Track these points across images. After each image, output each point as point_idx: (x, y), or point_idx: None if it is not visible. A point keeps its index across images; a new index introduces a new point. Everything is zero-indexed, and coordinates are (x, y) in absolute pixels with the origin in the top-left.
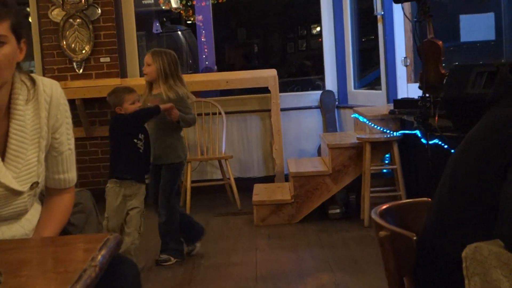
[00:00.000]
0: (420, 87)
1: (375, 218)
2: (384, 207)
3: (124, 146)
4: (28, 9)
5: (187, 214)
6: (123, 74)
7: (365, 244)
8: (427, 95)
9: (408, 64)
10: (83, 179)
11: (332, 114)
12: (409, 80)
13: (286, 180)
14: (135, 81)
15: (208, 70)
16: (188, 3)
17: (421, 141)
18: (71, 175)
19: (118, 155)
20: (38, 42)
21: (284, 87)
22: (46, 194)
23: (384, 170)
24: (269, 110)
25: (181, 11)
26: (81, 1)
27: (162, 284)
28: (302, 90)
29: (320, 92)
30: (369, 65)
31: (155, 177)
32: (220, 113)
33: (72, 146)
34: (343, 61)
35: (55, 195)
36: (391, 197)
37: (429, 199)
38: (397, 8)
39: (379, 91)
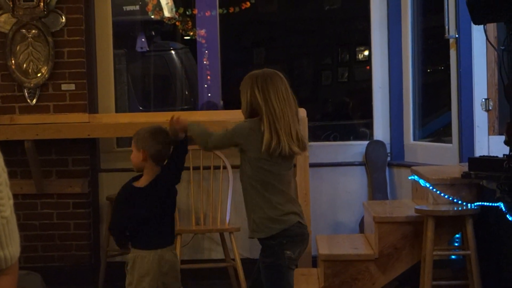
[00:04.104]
0: (507, 142)
1: None
2: None
3: None
4: None
5: None
6: (92, 107)
7: None
8: None
9: (490, 108)
10: (30, 252)
11: (381, 174)
12: (491, 132)
13: (314, 265)
14: (108, 118)
15: (211, 106)
16: (187, 12)
17: (507, 218)
18: (10, 250)
19: None
20: None
21: (316, 134)
22: None
23: (453, 257)
24: (294, 166)
25: (177, 23)
26: (38, 5)
27: None
28: (340, 139)
29: (366, 142)
30: (435, 107)
31: None
32: (225, 167)
33: (9, 212)
34: (400, 100)
35: None
36: None
37: None
38: (477, 30)
39: (449, 145)
